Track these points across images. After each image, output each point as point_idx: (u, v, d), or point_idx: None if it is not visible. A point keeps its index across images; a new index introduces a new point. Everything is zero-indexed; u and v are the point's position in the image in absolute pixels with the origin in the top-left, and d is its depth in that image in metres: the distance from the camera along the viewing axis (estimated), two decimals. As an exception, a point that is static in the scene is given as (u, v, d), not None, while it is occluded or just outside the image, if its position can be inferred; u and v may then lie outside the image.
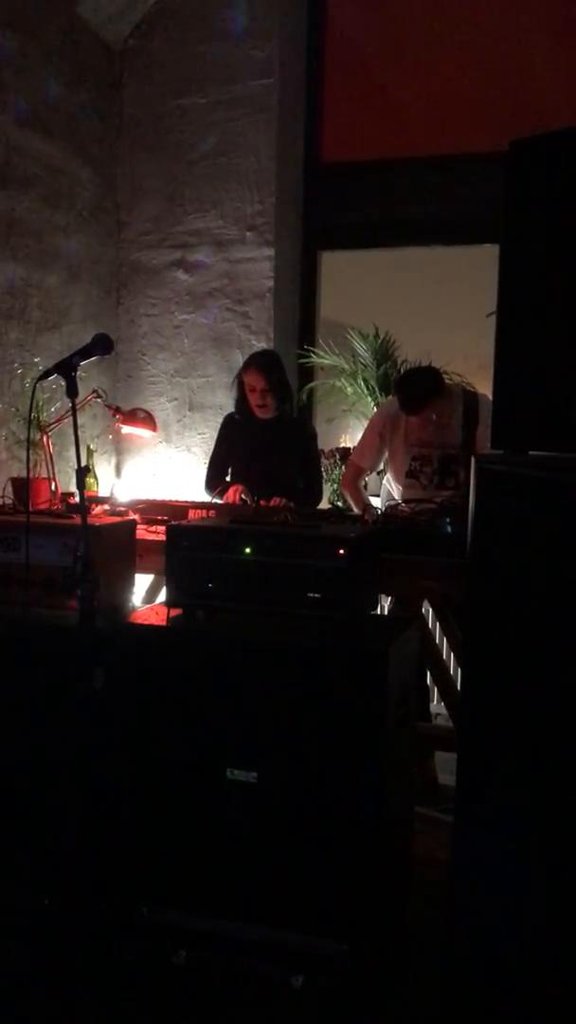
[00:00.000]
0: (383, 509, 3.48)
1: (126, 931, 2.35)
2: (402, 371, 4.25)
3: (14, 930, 2.41)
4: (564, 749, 1.63)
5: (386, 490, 3.86)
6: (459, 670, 3.51)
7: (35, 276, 4.30)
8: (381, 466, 3.84)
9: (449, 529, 2.83)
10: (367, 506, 3.65)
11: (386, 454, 3.75)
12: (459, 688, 2.76)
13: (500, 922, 1.77)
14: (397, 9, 4.74)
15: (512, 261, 1.80)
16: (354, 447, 4.07)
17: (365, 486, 3.92)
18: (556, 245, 1.71)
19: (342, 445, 4.68)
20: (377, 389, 4.56)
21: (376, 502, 3.81)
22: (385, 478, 3.86)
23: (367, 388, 4.60)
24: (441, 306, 4.83)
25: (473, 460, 1.85)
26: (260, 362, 3.81)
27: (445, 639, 3.87)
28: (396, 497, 3.66)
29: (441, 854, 2.88)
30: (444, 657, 3.89)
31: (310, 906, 2.23)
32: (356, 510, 3.72)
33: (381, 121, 4.83)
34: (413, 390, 3.54)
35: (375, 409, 4.28)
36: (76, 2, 4.43)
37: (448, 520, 2.85)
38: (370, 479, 4.01)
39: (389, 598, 3.66)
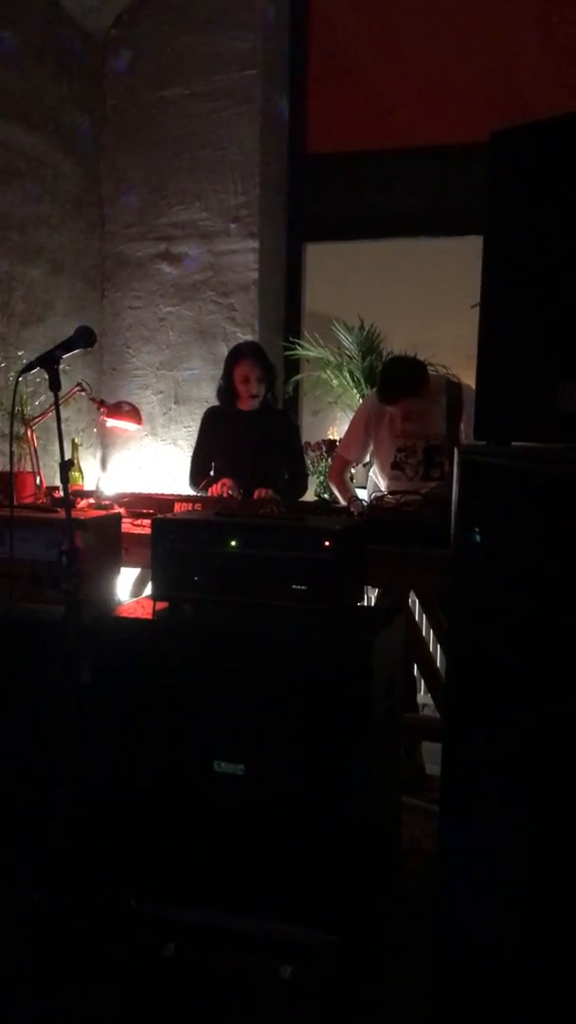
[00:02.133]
0: (369, 501, 3.48)
1: (115, 924, 2.36)
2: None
3: (2, 924, 2.41)
4: (547, 739, 1.64)
5: (372, 482, 3.86)
6: (445, 660, 3.53)
7: (18, 269, 4.28)
8: (368, 458, 3.84)
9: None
10: (353, 498, 3.65)
11: (372, 446, 3.75)
12: (445, 678, 2.78)
13: (487, 910, 1.78)
14: (381, -1, 4.74)
15: (495, 252, 1.80)
16: (340, 439, 4.07)
17: (351, 478, 3.92)
18: (538, 235, 1.71)
19: (328, 437, 4.68)
20: (363, 381, 4.56)
21: (362, 494, 3.82)
22: (371, 470, 3.87)
23: (353, 380, 4.60)
24: (427, 298, 4.83)
25: (456, 451, 1.86)
26: (254, 351, 3.79)
27: (431, 630, 3.88)
28: (382, 488, 3.66)
29: (428, 843, 2.90)
30: (430, 648, 3.90)
31: (298, 897, 2.24)
32: (342, 502, 3.72)
33: (365, 112, 4.82)
34: (388, 381, 3.55)
35: (360, 401, 4.28)
36: (57, -8, 4.41)
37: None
38: (356, 471, 4.01)
39: (375, 589, 3.67)
